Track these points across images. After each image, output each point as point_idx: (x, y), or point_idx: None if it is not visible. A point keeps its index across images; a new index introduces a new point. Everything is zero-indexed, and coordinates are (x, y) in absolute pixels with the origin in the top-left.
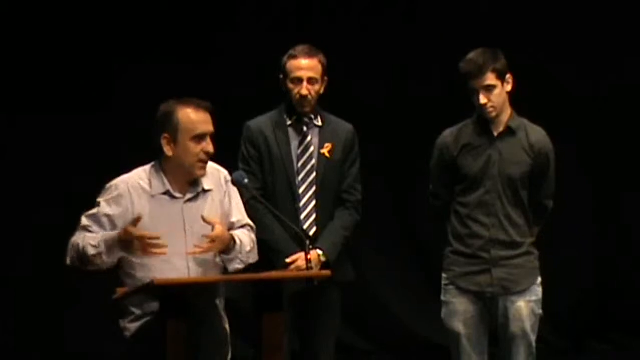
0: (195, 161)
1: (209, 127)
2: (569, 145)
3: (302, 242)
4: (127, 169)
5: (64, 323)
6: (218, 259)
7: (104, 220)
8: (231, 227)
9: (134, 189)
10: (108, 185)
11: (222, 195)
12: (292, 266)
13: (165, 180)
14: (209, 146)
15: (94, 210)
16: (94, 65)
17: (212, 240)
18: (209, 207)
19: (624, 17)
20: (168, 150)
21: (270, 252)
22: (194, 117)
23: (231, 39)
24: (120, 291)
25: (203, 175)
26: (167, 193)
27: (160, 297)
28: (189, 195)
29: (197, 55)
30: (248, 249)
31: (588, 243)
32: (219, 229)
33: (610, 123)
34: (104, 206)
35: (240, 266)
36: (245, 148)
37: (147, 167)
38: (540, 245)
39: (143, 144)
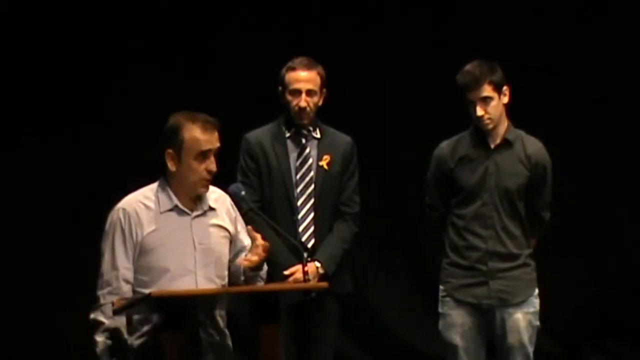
0: (198, 179)
1: (214, 145)
2: (565, 156)
3: (300, 254)
4: (126, 185)
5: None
6: (243, 277)
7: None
8: (243, 249)
9: (136, 211)
10: (107, 228)
11: (230, 218)
12: (290, 278)
13: (173, 196)
14: (212, 164)
15: (112, 284)
16: (89, 76)
17: (264, 250)
18: (216, 225)
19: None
20: (171, 166)
21: (268, 264)
22: (199, 136)
23: (229, 50)
24: (118, 303)
25: (205, 193)
26: (175, 208)
27: (158, 310)
28: (197, 212)
29: (195, 67)
30: (266, 268)
31: (585, 253)
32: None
33: (605, 132)
34: (121, 270)
35: (260, 284)
36: (243, 160)
37: (154, 184)
38: (538, 256)
39: (140, 158)
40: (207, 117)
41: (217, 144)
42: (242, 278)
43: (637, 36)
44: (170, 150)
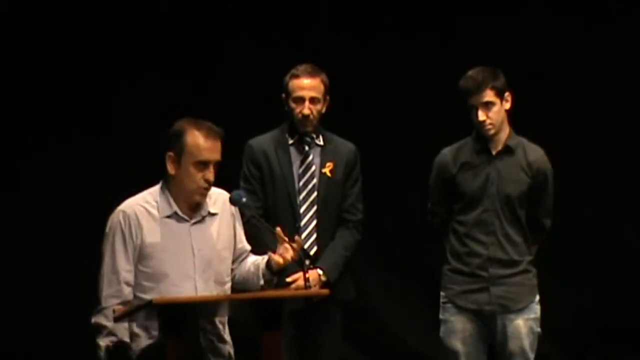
0: (195, 187)
1: (214, 156)
2: (566, 163)
3: (302, 261)
4: (127, 192)
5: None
6: (261, 282)
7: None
8: (244, 253)
9: (136, 214)
10: (107, 230)
11: (229, 218)
12: (293, 285)
13: (172, 202)
14: (210, 174)
15: (113, 286)
16: (92, 87)
17: (295, 249)
18: (216, 230)
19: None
20: (171, 169)
21: None
22: (201, 143)
23: (233, 57)
24: (119, 310)
25: (202, 202)
26: (174, 215)
27: (160, 317)
28: (195, 218)
29: (198, 75)
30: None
31: (587, 259)
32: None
33: (607, 140)
34: (122, 273)
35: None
36: (246, 167)
37: (155, 188)
38: (540, 263)
39: (143, 167)
40: (212, 126)
41: (218, 156)
42: (261, 282)
43: (639, 44)
44: (171, 153)
